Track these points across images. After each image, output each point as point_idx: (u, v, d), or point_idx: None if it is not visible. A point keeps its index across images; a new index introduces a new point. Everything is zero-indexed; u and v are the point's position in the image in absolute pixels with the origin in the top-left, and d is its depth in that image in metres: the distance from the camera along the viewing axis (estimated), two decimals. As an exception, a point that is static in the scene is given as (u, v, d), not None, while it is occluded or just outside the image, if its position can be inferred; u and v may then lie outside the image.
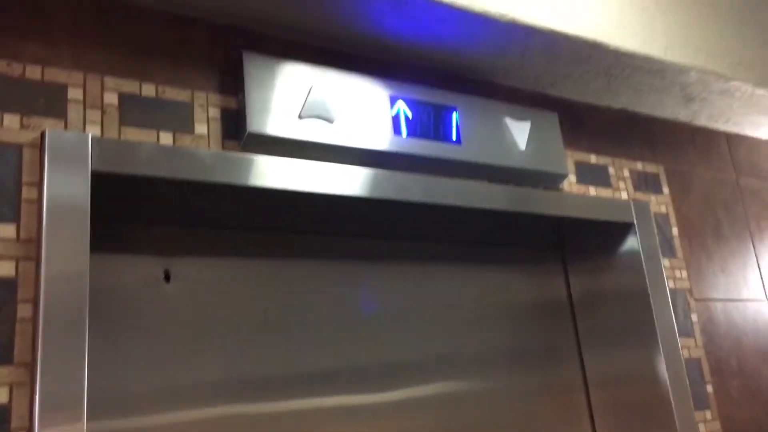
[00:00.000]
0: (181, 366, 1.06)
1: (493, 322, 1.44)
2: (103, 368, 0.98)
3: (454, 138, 1.24)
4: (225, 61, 1.08)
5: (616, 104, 1.58)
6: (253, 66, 1.06)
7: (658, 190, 1.59)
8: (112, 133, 0.95)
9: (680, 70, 1.43)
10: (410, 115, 1.20)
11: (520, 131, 1.34)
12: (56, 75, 0.93)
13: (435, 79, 1.30)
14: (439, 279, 1.40)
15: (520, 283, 1.51)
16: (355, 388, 1.22)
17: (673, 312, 1.43)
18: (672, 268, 1.53)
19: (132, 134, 0.97)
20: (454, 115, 1.25)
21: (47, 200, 0.85)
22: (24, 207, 0.86)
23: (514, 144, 1.32)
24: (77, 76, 0.95)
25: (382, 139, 1.16)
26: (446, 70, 1.33)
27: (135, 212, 1.07)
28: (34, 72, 0.92)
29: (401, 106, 1.20)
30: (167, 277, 1.09)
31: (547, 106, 1.44)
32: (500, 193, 1.28)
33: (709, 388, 1.48)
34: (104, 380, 0.98)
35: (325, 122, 1.11)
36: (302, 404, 1.16)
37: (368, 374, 1.25)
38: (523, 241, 1.53)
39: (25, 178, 0.87)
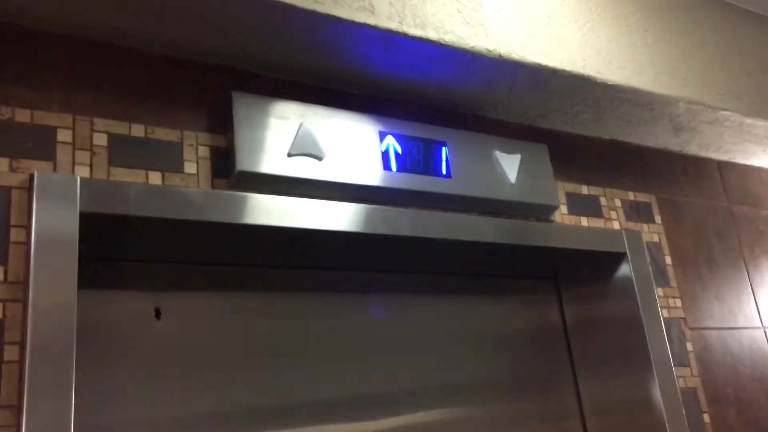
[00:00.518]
0: (173, 401, 1.06)
1: (488, 350, 1.44)
2: (93, 406, 0.97)
3: (444, 172, 1.25)
4: (214, 101, 1.09)
5: (606, 135, 1.60)
6: (241, 105, 1.07)
7: (650, 220, 1.60)
8: (101, 174, 0.96)
9: (668, 101, 1.44)
10: (400, 150, 1.21)
11: (510, 164, 1.34)
12: (45, 118, 0.94)
13: (424, 114, 1.31)
14: (433, 309, 1.40)
15: (515, 312, 1.51)
16: (348, 417, 1.22)
17: (668, 341, 1.43)
18: (666, 297, 1.53)
19: (121, 175, 0.98)
20: (444, 150, 1.26)
21: (35, 242, 0.86)
22: (12, 249, 0.86)
23: (505, 177, 1.33)
24: (66, 119, 0.96)
25: (372, 175, 1.17)
26: (435, 105, 1.34)
27: (125, 251, 1.08)
28: (23, 115, 0.93)
29: (391, 141, 1.21)
30: (158, 314, 1.09)
31: (537, 138, 1.45)
32: (491, 225, 1.29)
33: (706, 418, 1.47)
34: (94, 417, 0.97)
35: (314, 159, 1.11)
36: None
37: (362, 403, 1.24)
38: (516, 272, 1.53)
39: (13, 220, 0.87)
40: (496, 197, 1.31)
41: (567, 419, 1.48)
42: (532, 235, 1.34)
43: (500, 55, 1.20)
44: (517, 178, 1.34)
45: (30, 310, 0.83)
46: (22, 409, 0.79)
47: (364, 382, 1.26)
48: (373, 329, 1.30)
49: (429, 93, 1.30)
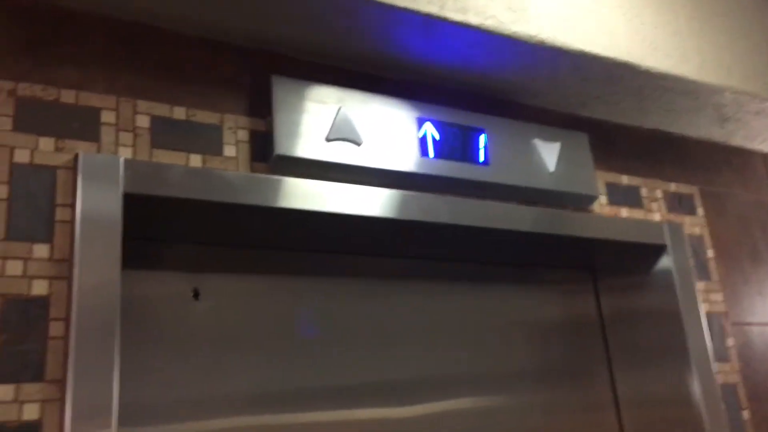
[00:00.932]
0: (210, 379, 1.08)
1: (523, 340, 1.43)
2: (134, 382, 0.99)
3: (482, 159, 1.24)
4: (253, 85, 1.10)
5: (648, 124, 1.56)
6: (281, 89, 1.08)
7: (692, 212, 1.56)
8: (143, 155, 0.98)
9: (714, 90, 1.41)
10: (437, 137, 1.21)
11: (549, 152, 1.33)
12: (90, 99, 0.96)
13: (463, 100, 1.30)
14: (469, 298, 1.39)
15: (550, 302, 1.50)
16: (381, 402, 1.23)
17: (709, 335, 1.40)
18: (707, 291, 1.50)
19: (163, 156, 0.99)
20: (482, 137, 1.25)
21: (80, 221, 0.87)
22: (57, 227, 0.88)
23: (544, 165, 1.32)
24: (110, 100, 0.97)
25: (409, 161, 1.17)
26: (474, 91, 1.33)
27: (166, 232, 1.09)
28: (68, 96, 0.95)
29: (428, 127, 1.20)
30: (196, 295, 1.11)
31: (578, 126, 1.43)
32: (528, 214, 1.27)
33: (746, 414, 1.44)
34: (135, 393, 0.99)
35: (352, 144, 1.11)
36: (327, 416, 1.17)
37: (396, 388, 1.25)
38: (552, 262, 1.51)
39: (58, 199, 0.89)
40: (534, 186, 1.29)
41: (601, 411, 1.47)
42: (570, 225, 1.32)
43: (542, 41, 1.19)
44: (556, 166, 1.33)
45: (75, 287, 0.84)
46: (67, 383, 0.81)
47: (398, 367, 1.26)
48: (407, 316, 1.30)
49: (468, 79, 1.29)
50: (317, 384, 1.17)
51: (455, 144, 1.22)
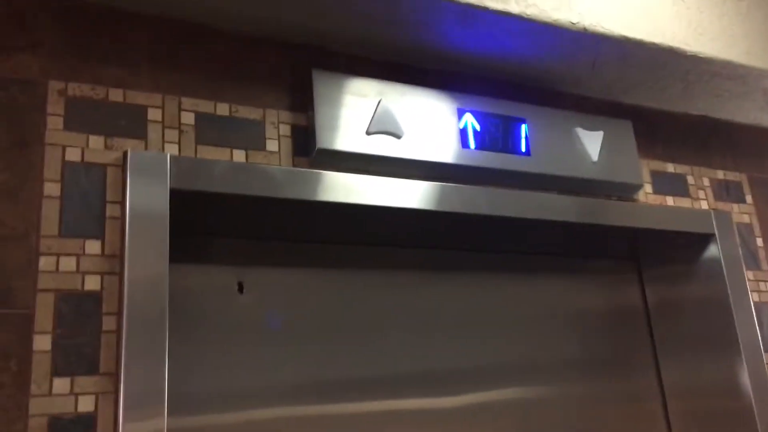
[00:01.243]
0: (255, 370, 1.10)
1: (567, 330, 1.42)
2: (182, 374, 1.01)
3: (523, 150, 1.23)
4: (294, 79, 1.11)
5: (694, 110, 1.53)
6: (321, 83, 1.08)
7: (740, 200, 1.53)
8: (188, 151, 0.99)
9: (762, 75, 1.37)
10: (478, 128, 1.20)
11: (592, 141, 1.31)
12: (136, 97, 0.98)
13: (503, 90, 1.29)
14: (512, 288, 1.39)
15: (595, 292, 1.48)
16: (424, 393, 1.23)
17: (758, 325, 1.37)
18: (756, 280, 1.46)
19: (207, 152, 1.00)
20: (523, 127, 1.24)
21: (129, 217, 0.89)
22: (108, 223, 0.90)
23: (586, 154, 1.30)
24: (156, 98, 0.99)
25: (450, 153, 1.16)
26: (514, 81, 1.31)
27: (211, 226, 1.11)
28: (116, 95, 0.97)
29: (469, 118, 1.20)
30: (241, 289, 1.13)
31: (621, 114, 1.41)
32: (571, 204, 1.26)
33: (797, 407, 1.40)
34: (184, 385, 1.01)
35: (393, 137, 1.11)
36: (372, 407, 1.18)
37: (437, 380, 1.25)
38: (596, 252, 1.50)
39: (109, 196, 0.91)
40: (577, 176, 1.28)
41: (647, 401, 1.46)
42: (614, 214, 1.30)
43: (584, 28, 1.17)
44: (600, 155, 1.31)
45: (126, 282, 0.86)
46: (120, 375, 0.83)
47: (441, 358, 1.26)
48: (450, 307, 1.30)
49: (509, 68, 1.27)
50: (361, 375, 1.18)
51: (496, 135, 1.21)
